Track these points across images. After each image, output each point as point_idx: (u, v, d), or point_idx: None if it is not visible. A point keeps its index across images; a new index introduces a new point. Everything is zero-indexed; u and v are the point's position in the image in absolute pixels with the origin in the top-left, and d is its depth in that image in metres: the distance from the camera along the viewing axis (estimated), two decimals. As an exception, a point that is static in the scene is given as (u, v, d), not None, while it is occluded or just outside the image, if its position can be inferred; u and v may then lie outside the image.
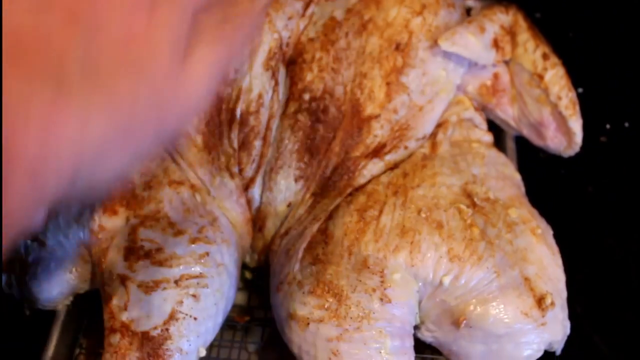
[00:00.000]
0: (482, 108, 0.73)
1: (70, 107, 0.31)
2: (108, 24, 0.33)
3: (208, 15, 0.38)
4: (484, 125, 0.72)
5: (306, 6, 0.71)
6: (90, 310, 0.70)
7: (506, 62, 0.73)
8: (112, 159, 0.35)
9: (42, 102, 0.30)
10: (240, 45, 0.41)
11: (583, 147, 0.71)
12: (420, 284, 0.60)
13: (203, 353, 0.60)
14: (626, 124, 0.81)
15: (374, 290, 0.58)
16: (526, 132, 0.73)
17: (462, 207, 0.62)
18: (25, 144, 0.29)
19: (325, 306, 0.58)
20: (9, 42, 0.30)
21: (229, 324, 0.68)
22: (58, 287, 0.64)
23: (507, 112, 0.73)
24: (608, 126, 0.81)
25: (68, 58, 0.31)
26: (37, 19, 0.31)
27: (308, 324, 0.58)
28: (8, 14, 0.30)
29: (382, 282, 0.59)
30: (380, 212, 0.62)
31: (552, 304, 0.59)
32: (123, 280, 0.60)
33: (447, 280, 0.59)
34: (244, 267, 0.69)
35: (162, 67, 0.35)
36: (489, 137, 0.70)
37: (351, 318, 0.57)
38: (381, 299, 0.58)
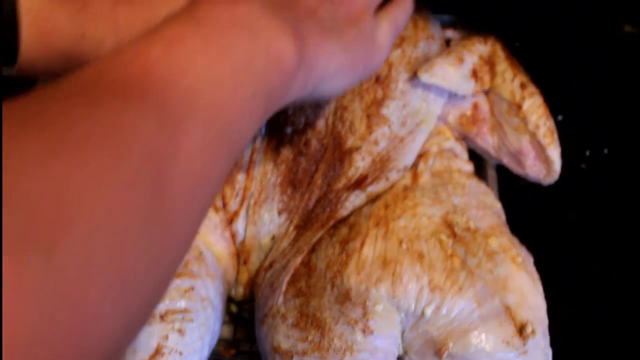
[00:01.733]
0: (462, 137, 0.74)
1: (325, 47, 0.48)
2: None
3: None
4: (465, 155, 0.73)
5: (288, 41, 0.72)
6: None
7: (485, 92, 0.74)
8: (336, 82, 0.51)
9: (313, 37, 0.47)
10: (410, 12, 0.62)
11: (563, 174, 0.72)
12: (402, 314, 0.61)
13: (189, 387, 0.61)
14: (605, 151, 0.82)
15: (356, 322, 0.59)
16: (506, 161, 0.74)
17: (443, 237, 0.63)
18: (308, 56, 0.46)
19: (309, 339, 0.59)
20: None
21: (214, 358, 0.68)
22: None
23: (487, 141, 0.74)
24: (588, 153, 0.82)
25: (324, 13, 0.50)
26: None
27: (292, 356, 0.59)
28: None
29: (364, 313, 0.59)
30: (362, 243, 0.63)
31: (533, 332, 0.59)
32: (108, 316, 0.60)
33: (429, 311, 0.60)
34: (229, 300, 0.70)
35: (368, 23, 0.54)
36: (469, 167, 0.71)
37: (334, 350, 0.58)
38: (363, 331, 0.59)
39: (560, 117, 0.81)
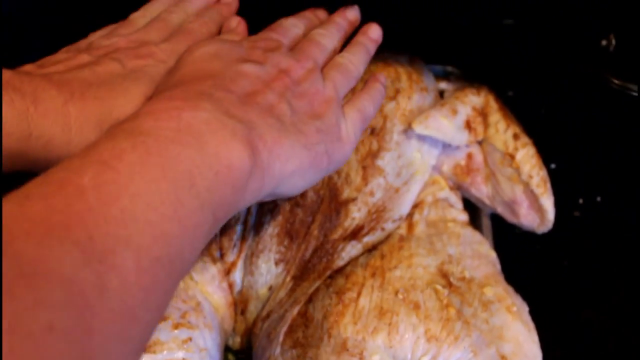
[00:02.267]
0: (457, 187, 0.75)
1: (283, 146, 0.46)
2: (303, 87, 0.52)
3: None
4: (460, 204, 0.74)
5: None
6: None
7: (479, 142, 0.75)
8: (297, 181, 0.49)
9: (270, 138, 0.45)
10: (380, 101, 0.61)
11: (557, 222, 0.73)
12: (399, 365, 0.61)
13: None
14: (598, 199, 0.83)
15: (353, 372, 0.59)
16: (500, 210, 0.75)
17: (439, 287, 0.63)
18: (262, 161, 0.44)
19: (306, 390, 0.59)
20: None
21: (212, 408, 0.68)
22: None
23: (482, 191, 0.75)
24: (581, 201, 0.83)
25: (283, 109, 0.49)
26: (266, 88, 0.49)
27: (289, 408, 0.59)
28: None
29: (361, 364, 0.60)
30: (359, 294, 0.64)
31: (529, 381, 0.60)
32: (107, 368, 0.60)
33: (425, 361, 0.61)
34: (226, 349, 0.70)
35: (333, 115, 0.52)
36: (464, 216, 0.72)
37: (331, 401, 0.58)
38: (360, 382, 0.59)
39: (553, 165, 0.82)
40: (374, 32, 0.64)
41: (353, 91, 0.60)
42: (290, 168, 0.47)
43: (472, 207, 0.76)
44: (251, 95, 0.48)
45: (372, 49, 0.63)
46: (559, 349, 0.70)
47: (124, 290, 0.32)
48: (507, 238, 0.76)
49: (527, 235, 0.76)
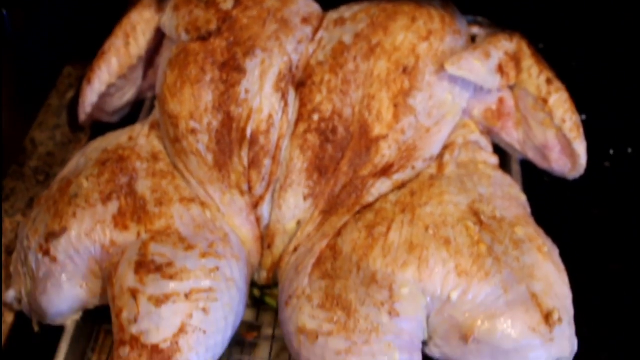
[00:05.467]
0: (487, 131, 0.74)
1: None
2: None
3: None
4: (490, 148, 0.73)
5: (315, 31, 0.73)
6: (99, 326, 0.71)
7: (511, 87, 0.74)
8: None
9: None
10: None
11: (587, 172, 0.72)
12: (428, 298, 0.60)
13: (212, 367, 0.60)
14: (629, 150, 0.82)
15: (382, 304, 0.59)
16: (531, 155, 0.74)
17: (470, 224, 0.63)
18: None
19: (334, 319, 0.59)
20: None
21: (237, 340, 0.68)
22: (68, 302, 0.65)
23: (512, 136, 0.74)
24: (612, 152, 0.82)
25: None
26: None
27: (317, 337, 0.59)
28: None
29: (390, 296, 0.59)
30: (389, 228, 0.63)
31: (560, 319, 0.59)
32: (133, 293, 0.60)
33: (455, 295, 0.60)
34: (252, 284, 0.70)
35: None
36: (494, 159, 0.72)
37: (360, 331, 0.58)
38: (390, 313, 0.59)
39: (584, 117, 0.81)
40: None
41: None
42: None
43: (501, 153, 0.75)
44: None
45: None
46: (586, 295, 0.68)
47: None
48: (537, 185, 0.76)
49: (557, 183, 0.75)
